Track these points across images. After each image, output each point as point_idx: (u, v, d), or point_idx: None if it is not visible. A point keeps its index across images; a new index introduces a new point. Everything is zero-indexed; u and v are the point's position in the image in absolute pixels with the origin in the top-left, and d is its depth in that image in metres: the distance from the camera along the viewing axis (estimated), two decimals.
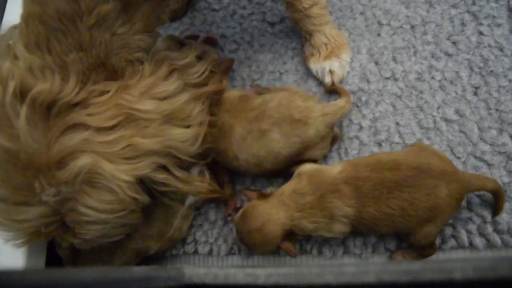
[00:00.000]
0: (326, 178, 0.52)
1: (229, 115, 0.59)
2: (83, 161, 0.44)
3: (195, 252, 0.66)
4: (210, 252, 0.64)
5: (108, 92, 0.48)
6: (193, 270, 0.34)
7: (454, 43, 0.67)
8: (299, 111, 0.55)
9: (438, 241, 0.54)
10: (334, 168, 0.53)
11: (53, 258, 0.62)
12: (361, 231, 0.53)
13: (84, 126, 0.46)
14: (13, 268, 0.26)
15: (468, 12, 0.69)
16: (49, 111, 0.45)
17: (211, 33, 0.79)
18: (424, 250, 0.52)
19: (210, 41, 0.79)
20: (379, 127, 0.63)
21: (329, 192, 0.51)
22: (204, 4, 0.86)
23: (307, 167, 0.56)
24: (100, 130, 0.46)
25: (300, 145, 0.56)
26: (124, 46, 0.50)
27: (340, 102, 0.58)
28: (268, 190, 0.60)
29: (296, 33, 0.75)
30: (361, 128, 0.64)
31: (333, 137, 0.62)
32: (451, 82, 0.64)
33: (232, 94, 0.62)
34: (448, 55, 0.66)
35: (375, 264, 0.38)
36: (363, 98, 0.66)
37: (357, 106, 0.66)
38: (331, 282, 0.26)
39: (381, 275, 0.26)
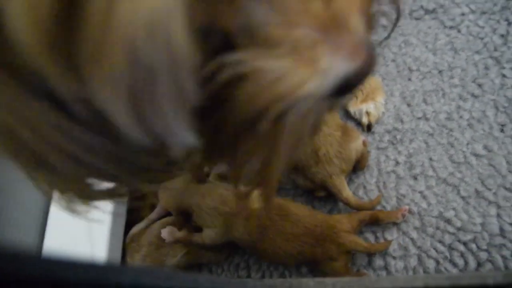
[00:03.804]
0: None
1: None
2: None
3: (248, 277, 0.73)
4: (263, 276, 0.71)
5: None
6: (262, 282, 0.41)
7: (479, 85, 0.74)
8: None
9: (474, 265, 0.59)
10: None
11: None
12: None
13: None
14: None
15: (491, 57, 0.76)
16: None
17: None
18: None
19: None
20: (414, 162, 0.70)
21: None
22: None
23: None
24: None
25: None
26: None
27: (358, 142, 0.67)
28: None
29: None
30: (397, 163, 0.71)
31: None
32: (479, 121, 0.71)
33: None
34: (474, 96, 0.73)
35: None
36: (398, 136, 0.74)
37: (393, 144, 0.73)
38: (387, 286, 0.34)
39: (427, 280, 0.33)
